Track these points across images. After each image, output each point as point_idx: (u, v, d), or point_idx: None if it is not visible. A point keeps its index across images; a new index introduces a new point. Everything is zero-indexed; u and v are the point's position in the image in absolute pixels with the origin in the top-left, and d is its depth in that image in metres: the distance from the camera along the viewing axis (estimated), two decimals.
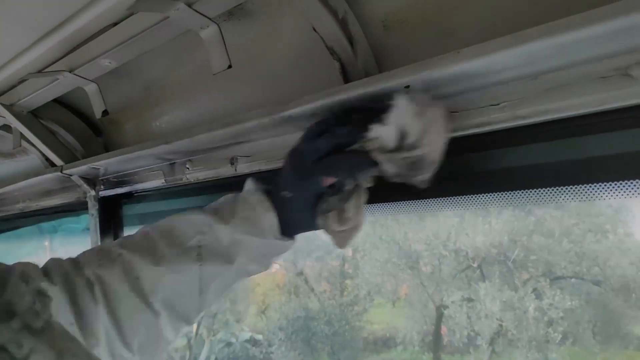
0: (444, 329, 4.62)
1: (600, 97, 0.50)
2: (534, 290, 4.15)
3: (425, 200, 0.81)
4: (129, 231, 1.53)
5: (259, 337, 6.41)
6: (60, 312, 0.53)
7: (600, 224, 4.54)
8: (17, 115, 1.36)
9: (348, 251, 5.54)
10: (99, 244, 1.47)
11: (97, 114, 1.16)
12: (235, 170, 1.12)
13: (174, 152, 1.18)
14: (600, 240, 4.51)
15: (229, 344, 5.86)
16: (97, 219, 1.51)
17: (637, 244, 4.28)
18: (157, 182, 1.34)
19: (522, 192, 0.61)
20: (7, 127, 1.51)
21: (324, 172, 0.62)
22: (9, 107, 1.34)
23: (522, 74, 0.54)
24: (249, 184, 0.70)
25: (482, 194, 0.67)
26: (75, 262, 0.69)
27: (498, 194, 0.65)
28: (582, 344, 4.09)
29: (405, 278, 4.97)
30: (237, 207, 0.69)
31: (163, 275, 0.67)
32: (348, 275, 5.43)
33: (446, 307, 4.58)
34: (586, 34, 0.46)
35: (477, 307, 4.23)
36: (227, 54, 0.83)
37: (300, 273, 5.36)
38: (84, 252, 0.71)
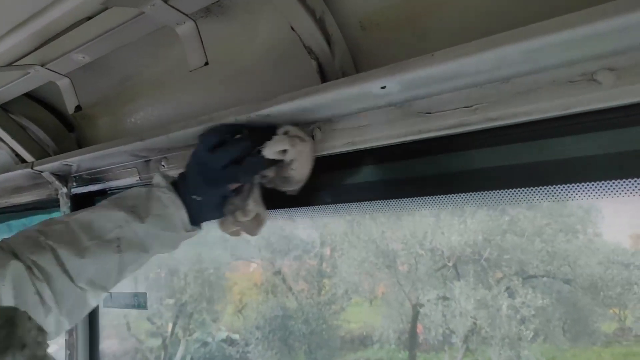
0: (419, 327, 4.69)
1: (568, 101, 0.52)
2: (507, 288, 4.26)
3: (402, 200, 0.86)
4: None
5: (236, 336, 6.35)
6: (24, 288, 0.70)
7: (571, 224, 4.66)
8: None
9: (326, 250, 5.54)
10: None
11: (70, 109, 1.14)
12: None
13: (149, 149, 1.16)
14: (571, 240, 4.65)
15: (205, 344, 5.79)
16: None
17: (605, 244, 4.41)
18: (131, 180, 1.32)
19: (496, 192, 0.63)
20: None
21: (230, 180, 0.78)
22: None
23: (494, 77, 0.56)
24: (158, 179, 0.84)
25: (457, 194, 0.70)
26: (12, 251, 0.85)
27: (472, 194, 0.68)
28: (553, 342, 4.21)
29: (382, 277, 5.03)
30: (151, 204, 0.85)
31: (87, 265, 0.85)
32: (326, 275, 5.44)
33: (422, 305, 4.66)
34: (555, 39, 0.48)
35: (452, 305, 4.31)
36: (204, 51, 0.83)
37: (278, 272, 5.32)
38: (13, 240, 0.85)
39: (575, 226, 4.53)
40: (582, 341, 4.46)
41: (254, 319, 4.95)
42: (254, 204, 0.72)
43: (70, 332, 1.38)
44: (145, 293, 1.35)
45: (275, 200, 1.17)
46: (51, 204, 1.56)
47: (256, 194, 0.81)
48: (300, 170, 0.70)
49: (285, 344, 4.74)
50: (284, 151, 0.71)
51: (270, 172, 0.76)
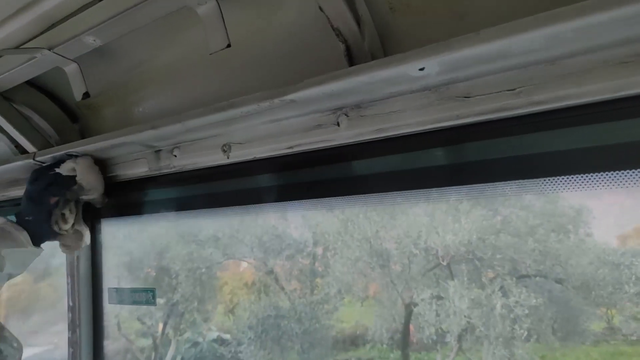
0: (412, 327, 4.70)
1: (619, 83, 0.50)
2: (501, 288, 4.28)
3: (435, 190, 0.84)
4: (105, 222, 1.45)
5: (227, 336, 6.29)
6: None
7: (562, 224, 4.71)
8: None
9: (319, 249, 5.52)
10: None
11: (77, 96, 1.09)
12: (228, 157, 1.09)
13: (161, 139, 1.12)
14: (563, 240, 4.70)
15: (195, 344, 5.73)
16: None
17: (596, 244, 4.47)
18: (139, 171, 1.27)
19: (542, 180, 0.61)
20: None
21: (47, 195, 1.15)
22: None
23: (541, 58, 0.54)
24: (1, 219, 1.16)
25: (498, 183, 0.68)
26: None
27: (514, 183, 0.66)
28: (545, 341, 4.24)
29: (376, 276, 5.03)
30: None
31: None
32: (319, 274, 5.42)
33: (415, 304, 4.66)
34: (612, 16, 0.46)
35: (446, 304, 4.32)
36: (226, 32, 0.80)
37: (271, 272, 5.29)
38: None
39: (567, 226, 4.58)
40: (572, 340, 4.52)
41: (246, 319, 4.91)
42: (70, 214, 1.02)
43: (73, 330, 1.32)
44: (155, 288, 1.30)
45: (294, 192, 1.14)
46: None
47: (75, 212, 1.11)
48: (87, 178, 1.02)
49: (278, 344, 4.71)
50: (74, 170, 1.01)
51: (73, 187, 1.01)
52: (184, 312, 5.65)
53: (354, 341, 6.02)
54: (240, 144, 1.01)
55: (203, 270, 5.36)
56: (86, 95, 1.02)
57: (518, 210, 4.50)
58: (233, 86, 1.02)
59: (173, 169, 1.10)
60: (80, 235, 1.09)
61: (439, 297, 4.22)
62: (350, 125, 1.09)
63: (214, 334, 6.09)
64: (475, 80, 0.68)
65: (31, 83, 1.31)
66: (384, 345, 5.72)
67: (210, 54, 0.77)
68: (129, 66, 1.14)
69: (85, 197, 1.09)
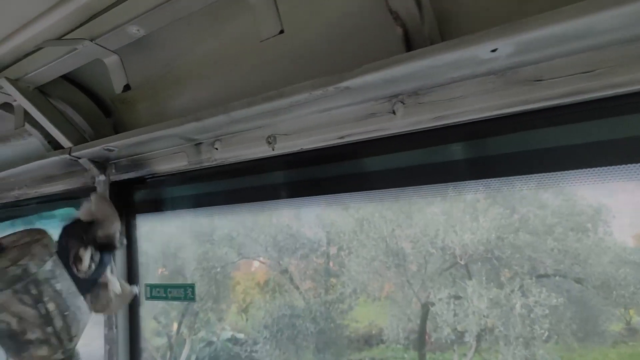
0: (429, 327, 4.66)
1: None
2: (520, 287, 4.22)
3: (498, 180, 0.83)
4: (141, 219, 1.44)
5: (241, 336, 6.31)
6: None
7: (581, 223, 4.64)
8: (23, 91, 1.25)
9: (333, 249, 5.51)
10: None
11: (118, 88, 1.08)
12: (273, 149, 1.07)
13: (203, 131, 1.10)
14: (582, 239, 4.62)
15: (210, 343, 5.74)
16: None
17: (616, 243, 4.41)
18: (178, 165, 1.25)
19: (624, 167, 0.59)
20: (7, 106, 1.39)
21: (68, 245, 1.08)
22: (14, 82, 1.23)
23: (622, 37, 0.51)
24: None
25: (573, 170, 0.66)
26: None
27: (592, 170, 0.64)
28: (564, 341, 4.19)
29: (391, 276, 4.99)
30: None
31: None
32: (333, 273, 5.41)
33: (432, 304, 4.62)
34: None
35: (464, 304, 4.28)
36: (279, 18, 0.77)
37: (285, 271, 5.28)
38: None
39: (585, 225, 4.52)
40: (591, 341, 4.46)
41: (261, 318, 4.90)
42: (85, 252, 0.95)
43: (109, 326, 1.29)
44: (194, 284, 1.27)
45: (344, 184, 1.12)
46: (85, 193, 1.44)
47: (90, 249, 1.05)
48: (101, 210, 0.96)
49: (293, 343, 4.70)
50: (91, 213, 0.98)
51: (93, 233, 0.98)
52: (198, 311, 5.67)
53: (368, 341, 6.00)
54: (286, 135, 0.99)
55: (218, 269, 5.37)
56: (127, 87, 0.99)
57: (536, 208, 4.44)
58: (281, 75, 0.98)
59: (214, 162, 1.06)
60: (108, 296, 0.95)
61: (457, 297, 4.19)
62: (407, 113, 1.03)
63: (228, 334, 6.10)
64: (547, 62, 0.64)
65: (66, 77, 1.28)
66: (399, 345, 5.70)
67: (261, 41, 0.74)
68: (168, 58, 1.11)
69: (101, 234, 1.02)
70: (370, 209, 5.04)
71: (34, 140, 1.48)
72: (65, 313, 0.94)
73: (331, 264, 5.46)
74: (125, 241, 1.18)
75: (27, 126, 1.33)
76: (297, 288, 5.39)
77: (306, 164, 1.12)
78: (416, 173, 1.09)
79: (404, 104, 0.99)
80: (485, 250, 4.34)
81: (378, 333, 5.66)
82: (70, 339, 0.95)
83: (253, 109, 0.89)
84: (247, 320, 6.69)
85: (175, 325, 5.64)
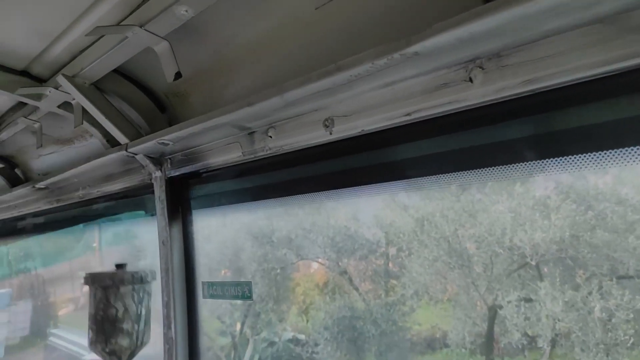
0: (496, 331, 4.44)
1: None
2: (599, 289, 3.92)
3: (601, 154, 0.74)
4: (197, 214, 1.44)
5: (302, 337, 6.35)
6: None
7: None
8: (80, 88, 1.29)
9: (392, 249, 5.41)
10: (168, 229, 1.36)
11: (169, 76, 1.08)
12: (331, 134, 1.00)
13: (256, 117, 1.06)
14: None
15: (272, 344, 5.83)
16: (165, 203, 1.41)
17: None
18: (233, 156, 1.23)
19: None
20: (67, 105, 1.45)
21: None
22: (72, 79, 1.28)
23: None
24: None
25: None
26: None
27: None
28: None
29: (455, 277, 4.81)
30: None
31: None
32: (393, 275, 5.31)
33: (500, 307, 4.40)
34: None
35: (536, 307, 4.04)
36: None
37: (344, 272, 5.26)
38: None
39: None
40: None
41: (321, 319, 4.90)
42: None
43: (168, 325, 1.29)
44: (250, 282, 1.25)
45: (412, 168, 1.00)
46: (144, 190, 1.47)
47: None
48: None
49: (355, 345, 4.65)
50: None
51: None
52: (260, 311, 5.77)
53: (431, 344, 5.83)
54: (344, 116, 0.90)
55: (278, 270, 5.44)
56: (178, 75, 0.97)
57: (614, 205, 4.12)
58: (339, 48, 0.88)
59: (268, 152, 1.01)
60: None
61: (528, 300, 3.96)
62: (487, 80, 0.92)
63: (289, 334, 6.16)
64: None
65: (120, 73, 1.30)
66: (464, 350, 5.49)
67: (317, 9, 0.69)
68: (218, 43, 1.07)
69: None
70: (431, 208, 4.90)
71: (95, 142, 1.52)
72: (147, 320, 1.20)
73: (391, 264, 5.36)
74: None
75: (86, 125, 1.37)
76: (357, 289, 5.34)
77: (368, 148, 0.97)
78: (501, 151, 0.89)
79: (482, 69, 0.83)
80: (558, 250, 4.09)
81: (442, 337, 5.48)
82: (142, 343, 1.17)
83: (308, 87, 0.82)
84: (307, 321, 6.72)
85: (238, 326, 5.78)
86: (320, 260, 5.70)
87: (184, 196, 1.45)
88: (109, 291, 1.20)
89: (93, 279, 1.21)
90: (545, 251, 3.99)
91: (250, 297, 1.38)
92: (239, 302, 5.50)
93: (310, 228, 5.80)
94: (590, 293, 3.71)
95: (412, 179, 1.11)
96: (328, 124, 0.98)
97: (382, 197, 5.29)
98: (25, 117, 1.56)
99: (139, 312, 1.21)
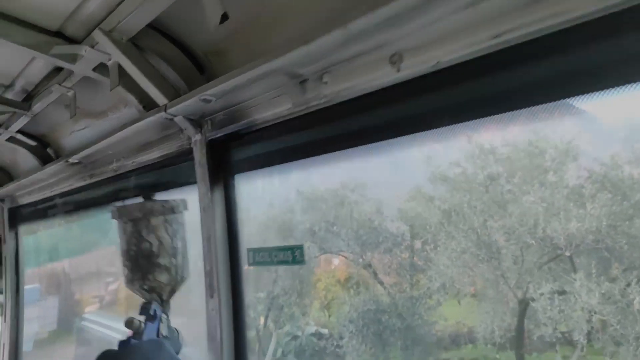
0: (527, 325, 4.33)
1: None
2: (639, 281, 3.79)
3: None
4: (240, 178, 1.34)
5: (325, 331, 6.32)
6: None
7: None
8: (118, 44, 1.23)
9: (417, 242, 5.33)
10: (209, 195, 1.26)
11: (215, 19, 0.99)
12: (398, 71, 0.87)
13: (310, 61, 0.94)
14: None
15: (295, 337, 5.81)
16: (206, 167, 1.31)
17: None
18: (280, 109, 1.12)
19: None
20: (101, 69, 1.39)
21: None
22: (109, 34, 1.23)
23: None
24: None
25: None
26: None
27: None
28: None
29: (483, 270, 4.71)
30: None
31: None
32: (419, 268, 5.22)
33: (532, 300, 4.28)
34: None
35: (571, 300, 3.92)
36: None
37: (368, 265, 5.20)
38: None
39: None
40: None
41: (346, 313, 4.85)
42: None
43: (211, 295, 1.18)
44: (302, 245, 1.16)
45: (501, 103, 0.82)
46: (183, 158, 1.35)
47: None
48: None
49: (380, 339, 4.58)
50: None
51: None
52: (283, 305, 5.75)
53: (456, 340, 5.73)
54: (415, 49, 0.78)
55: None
56: (224, 17, 0.88)
57: None
58: None
59: (323, 101, 0.89)
60: None
61: (561, 292, 3.84)
62: None
63: (312, 328, 6.12)
64: None
65: (158, 30, 1.23)
66: (490, 346, 5.39)
67: None
68: None
69: None
70: (457, 200, 4.80)
71: (129, 112, 1.44)
72: (185, 254, 1.10)
73: (416, 258, 5.28)
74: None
75: (121, 90, 1.30)
76: (381, 283, 5.27)
77: (444, 85, 0.80)
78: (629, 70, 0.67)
79: None
80: (594, 240, 3.96)
81: (469, 331, 5.38)
82: (182, 278, 1.08)
83: (376, 14, 0.69)
84: (329, 316, 6.68)
85: (262, 319, 5.76)
86: (343, 253, 5.63)
87: (225, 160, 1.36)
88: (140, 224, 1.11)
89: (120, 212, 1.13)
90: (580, 241, 3.87)
91: (302, 261, 1.29)
92: (262, 295, 5.47)
93: (334, 221, 5.75)
94: (629, 284, 3.58)
95: (499, 115, 0.84)
96: (395, 60, 0.83)
97: (408, 189, 5.21)
98: (60, 85, 1.51)
99: (175, 245, 1.11)
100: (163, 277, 1.04)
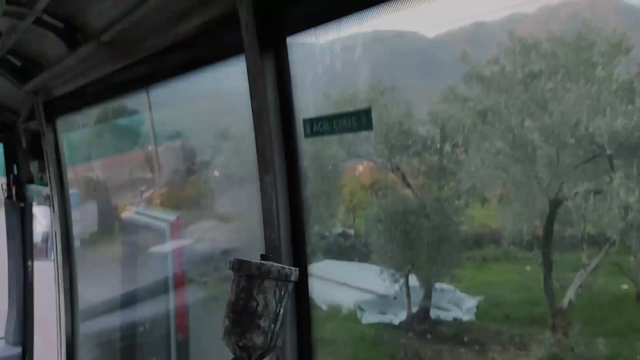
0: (556, 226, 4.35)
1: None
2: None
3: None
4: (293, 41, 1.19)
5: (351, 231, 6.58)
6: None
7: None
8: None
9: (448, 144, 5.24)
10: (259, 62, 1.13)
11: None
12: None
13: None
14: None
15: (323, 237, 6.08)
16: (254, 31, 1.17)
17: None
18: None
19: None
20: None
21: None
22: None
23: None
24: None
25: None
26: None
27: None
28: None
29: (516, 171, 4.65)
30: None
31: None
32: (448, 170, 5.20)
33: (565, 200, 4.26)
34: None
35: (607, 199, 3.88)
36: None
37: (397, 168, 5.19)
38: None
39: None
40: None
41: (374, 214, 4.95)
42: None
43: (265, 170, 1.09)
44: (370, 108, 1.09)
45: None
46: (227, 23, 1.17)
47: None
48: None
49: (407, 238, 4.71)
50: None
51: None
52: (312, 207, 5.90)
53: (483, 239, 5.88)
54: None
55: (329, 167, 5.43)
56: None
57: None
58: None
59: None
60: None
61: (598, 191, 3.79)
62: None
63: (339, 229, 6.35)
64: None
65: None
66: (513, 246, 5.53)
67: None
68: None
69: None
70: (493, 99, 4.62)
71: None
72: (283, 324, 1.15)
73: (447, 160, 5.23)
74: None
75: None
76: (409, 186, 5.30)
77: None
78: None
79: None
80: None
81: (496, 232, 5.48)
82: (274, 346, 1.14)
83: None
84: (354, 219, 6.89)
85: None
86: (372, 157, 5.60)
87: (276, 21, 1.22)
88: (253, 282, 1.12)
89: (240, 266, 1.12)
90: (624, 139, 3.73)
91: (370, 127, 1.22)
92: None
93: None
94: None
95: None
96: None
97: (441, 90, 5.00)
98: None
99: (278, 311, 1.13)
100: (259, 340, 1.10)
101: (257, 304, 1.08)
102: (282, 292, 1.10)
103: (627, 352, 4.01)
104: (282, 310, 1.09)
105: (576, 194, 4.01)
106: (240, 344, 1.11)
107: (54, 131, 2.54)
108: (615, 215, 3.71)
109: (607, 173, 3.91)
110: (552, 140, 4.13)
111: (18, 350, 2.70)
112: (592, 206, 3.88)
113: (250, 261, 1.10)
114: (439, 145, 5.27)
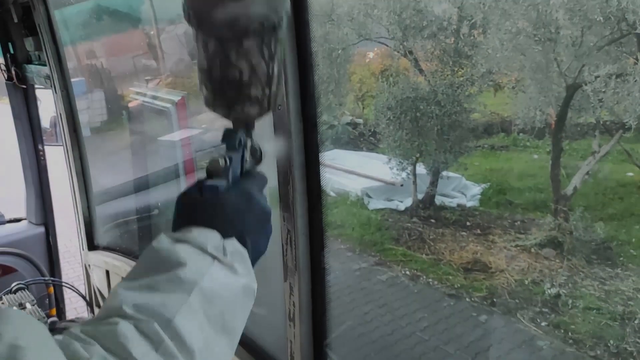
0: (570, 112, 4.23)
1: None
2: None
3: None
4: None
5: (359, 120, 6.51)
6: None
7: None
8: None
9: (464, 26, 4.91)
10: None
11: None
12: None
13: None
14: None
15: (332, 126, 6.02)
16: None
17: None
18: None
19: None
20: None
21: None
22: None
23: None
24: None
25: None
26: None
27: None
28: None
29: (536, 53, 4.39)
30: None
31: None
32: (464, 54, 4.94)
33: (584, 83, 4.07)
34: None
35: (628, 82, 3.71)
36: None
37: (410, 52, 4.94)
38: None
39: None
40: None
41: (384, 100, 4.83)
42: None
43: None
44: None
45: None
46: None
47: None
48: None
49: (417, 125, 4.65)
50: None
51: None
52: (320, 95, 5.78)
53: (493, 127, 5.79)
54: None
55: (339, 51, 5.17)
56: None
57: None
58: None
59: None
60: None
61: (620, 74, 3.60)
62: None
63: (348, 118, 6.28)
64: None
65: None
66: (522, 135, 5.46)
67: None
68: None
69: None
70: None
71: None
72: (280, 79, 0.77)
73: (462, 43, 4.95)
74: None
75: None
76: (421, 71, 5.09)
77: None
78: None
79: None
80: None
81: (508, 119, 5.38)
82: (275, 107, 0.81)
83: None
84: (363, 109, 6.77)
85: None
86: (383, 40, 5.30)
87: None
88: (228, 45, 0.75)
89: (199, 19, 0.68)
90: None
91: None
92: None
93: (374, 3, 5.27)
94: None
95: None
96: None
97: None
98: None
99: (271, 72, 0.75)
100: (253, 110, 0.73)
101: (241, 73, 0.75)
102: (272, 46, 0.76)
103: (623, 236, 4.14)
104: (276, 68, 0.76)
105: (597, 77, 3.83)
106: (229, 115, 0.77)
107: (45, 3, 2.39)
108: (636, 98, 3.58)
109: (633, 55, 3.69)
110: (577, 18, 3.84)
111: (41, 229, 2.83)
112: (612, 90, 3.73)
113: (216, 11, 0.66)
114: (455, 26, 4.94)
